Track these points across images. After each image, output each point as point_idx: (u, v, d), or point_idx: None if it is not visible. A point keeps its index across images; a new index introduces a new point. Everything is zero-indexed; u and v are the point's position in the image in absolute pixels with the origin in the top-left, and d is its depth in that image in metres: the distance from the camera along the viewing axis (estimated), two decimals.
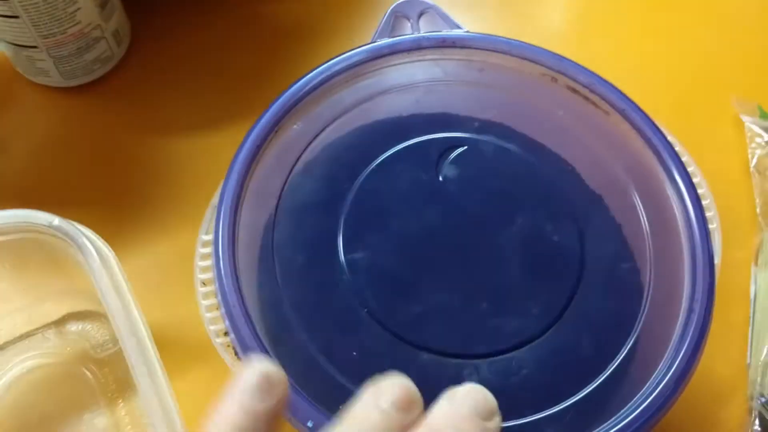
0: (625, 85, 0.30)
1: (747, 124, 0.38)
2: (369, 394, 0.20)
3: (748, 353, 0.32)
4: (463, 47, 0.31)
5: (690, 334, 0.23)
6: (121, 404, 0.30)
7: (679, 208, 0.26)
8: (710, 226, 0.26)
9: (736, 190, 0.37)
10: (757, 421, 0.30)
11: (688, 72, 0.41)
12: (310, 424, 0.23)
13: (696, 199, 0.26)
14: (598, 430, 0.22)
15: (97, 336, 0.32)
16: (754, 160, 0.37)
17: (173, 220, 0.35)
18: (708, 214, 0.27)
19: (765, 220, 0.35)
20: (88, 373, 0.31)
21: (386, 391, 0.20)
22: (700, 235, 0.25)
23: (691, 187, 0.26)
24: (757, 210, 0.36)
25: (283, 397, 0.19)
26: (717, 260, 0.27)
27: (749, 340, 0.33)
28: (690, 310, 0.24)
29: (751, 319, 0.33)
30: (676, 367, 0.23)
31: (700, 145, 0.35)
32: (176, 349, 0.31)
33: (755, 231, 0.36)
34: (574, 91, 0.30)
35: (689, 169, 0.27)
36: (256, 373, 0.18)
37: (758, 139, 0.38)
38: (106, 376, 0.31)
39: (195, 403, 0.30)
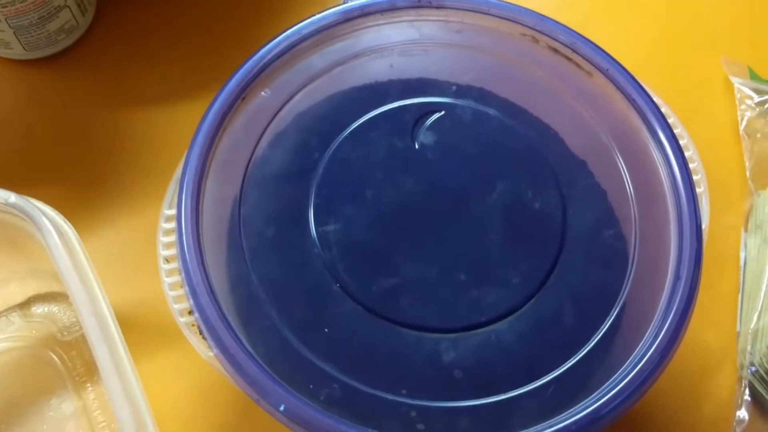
0: (610, 46, 0.29)
1: (736, 85, 0.37)
2: None
3: (738, 321, 0.31)
4: (439, 7, 0.29)
5: (677, 301, 0.22)
6: (90, 388, 0.29)
7: (664, 171, 0.25)
8: (697, 190, 0.25)
9: (725, 154, 0.36)
10: (747, 391, 0.30)
11: (676, 32, 0.40)
12: (282, 408, 0.21)
13: (682, 162, 0.25)
14: (581, 403, 0.21)
15: (63, 318, 0.31)
16: (744, 123, 0.36)
17: (139, 195, 0.34)
18: (695, 178, 0.26)
19: (755, 184, 0.34)
20: (54, 357, 0.30)
21: None
22: (687, 199, 0.24)
23: (678, 150, 0.25)
24: (747, 174, 0.35)
25: None
26: (705, 225, 0.26)
27: (739, 308, 0.32)
28: (676, 277, 0.23)
29: (741, 285, 0.32)
30: (663, 336, 0.22)
31: (688, 108, 0.34)
32: (142, 330, 0.30)
33: (745, 195, 0.35)
34: (556, 51, 0.28)
35: (676, 131, 0.26)
36: None
37: (748, 101, 0.36)
38: (74, 360, 0.30)
39: (163, 385, 0.29)
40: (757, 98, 0.36)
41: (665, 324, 0.22)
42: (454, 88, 0.28)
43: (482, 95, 0.28)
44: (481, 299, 0.23)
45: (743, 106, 0.36)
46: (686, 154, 0.25)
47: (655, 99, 0.27)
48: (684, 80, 0.38)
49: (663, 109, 0.27)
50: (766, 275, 0.31)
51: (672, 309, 0.22)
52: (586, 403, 0.21)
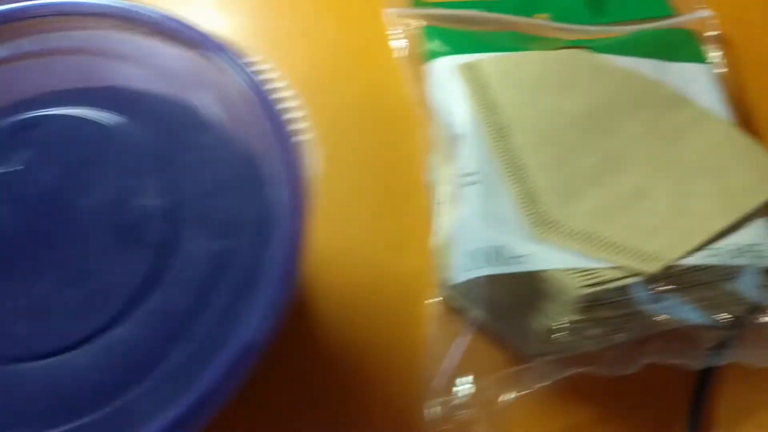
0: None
1: (395, 15, 0.37)
2: None
3: (433, 240, 0.31)
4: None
5: (279, 252, 0.21)
6: None
7: (268, 128, 0.24)
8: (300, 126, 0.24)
9: (394, 90, 0.36)
10: (441, 300, 0.30)
11: None
12: None
13: (276, 111, 0.24)
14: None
15: None
16: (403, 50, 0.36)
17: None
18: (298, 116, 0.25)
19: (427, 109, 0.34)
20: None
21: None
22: (286, 150, 0.23)
23: (265, 96, 0.24)
24: (420, 101, 0.35)
25: None
26: (316, 171, 0.25)
27: (432, 227, 0.32)
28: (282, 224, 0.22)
29: (432, 205, 0.32)
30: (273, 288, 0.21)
31: (359, 54, 0.34)
32: None
33: (423, 124, 0.35)
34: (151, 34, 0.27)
35: (269, 78, 0.25)
36: None
37: (405, 27, 0.37)
38: None
39: None
40: (414, 23, 0.37)
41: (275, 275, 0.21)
42: (48, 97, 0.26)
43: (77, 98, 0.26)
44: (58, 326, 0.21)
45: (398, 31, 0.36)
46: (285, 95, 0.25)
47: (250, 60, 0.26)
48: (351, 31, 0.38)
49: (257, 68, 0.25)
50: (441, 190, 0.31)
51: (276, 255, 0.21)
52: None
